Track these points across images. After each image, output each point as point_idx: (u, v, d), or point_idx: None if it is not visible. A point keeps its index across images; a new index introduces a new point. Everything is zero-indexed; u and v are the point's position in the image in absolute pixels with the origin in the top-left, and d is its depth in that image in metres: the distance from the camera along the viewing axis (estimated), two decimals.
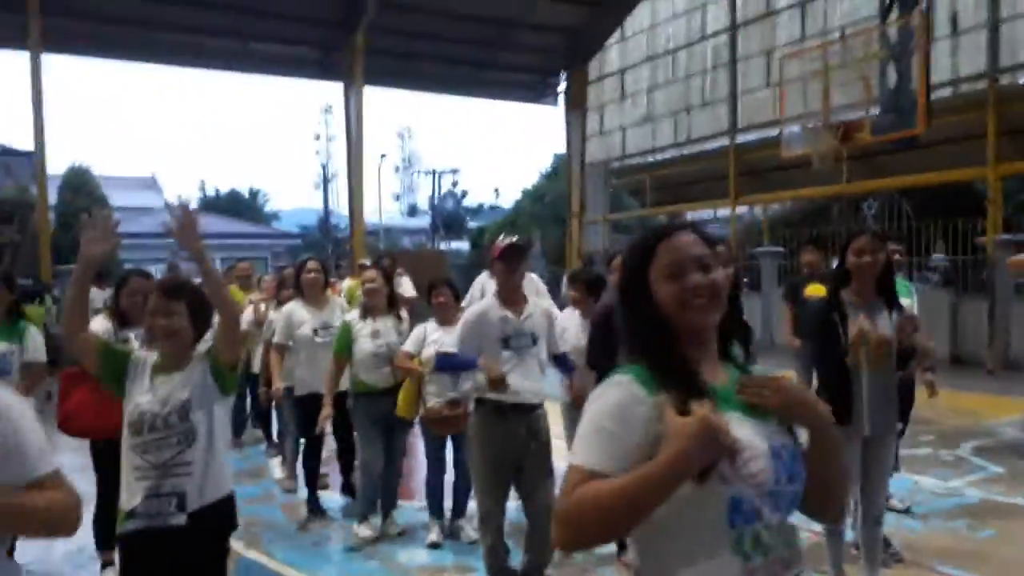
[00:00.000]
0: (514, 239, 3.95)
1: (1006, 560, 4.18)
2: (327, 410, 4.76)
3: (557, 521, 1.33)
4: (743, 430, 1.37)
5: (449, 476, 4.79)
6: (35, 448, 1.49)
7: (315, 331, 5.09)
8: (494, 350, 3.72)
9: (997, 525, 4.73)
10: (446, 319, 4.59)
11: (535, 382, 3.80)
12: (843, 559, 3.68)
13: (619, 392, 1.39)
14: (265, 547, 4.68)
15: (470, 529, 4.62)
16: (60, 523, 1.53)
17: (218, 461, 2.51)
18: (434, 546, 4.54)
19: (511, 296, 3.84)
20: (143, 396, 2.44)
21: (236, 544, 4.66)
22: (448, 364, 3.87)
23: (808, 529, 4.47)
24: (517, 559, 3.85)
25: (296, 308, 5.24)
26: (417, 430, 4.89)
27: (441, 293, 4.62)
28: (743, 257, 17.00)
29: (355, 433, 4.99)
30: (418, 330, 4.63)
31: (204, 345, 2.58)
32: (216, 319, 2.56)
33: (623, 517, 1.29)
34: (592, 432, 1.37)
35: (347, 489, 5.43)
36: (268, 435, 6.91)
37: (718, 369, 1.49)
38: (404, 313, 5.00)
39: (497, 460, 3.70)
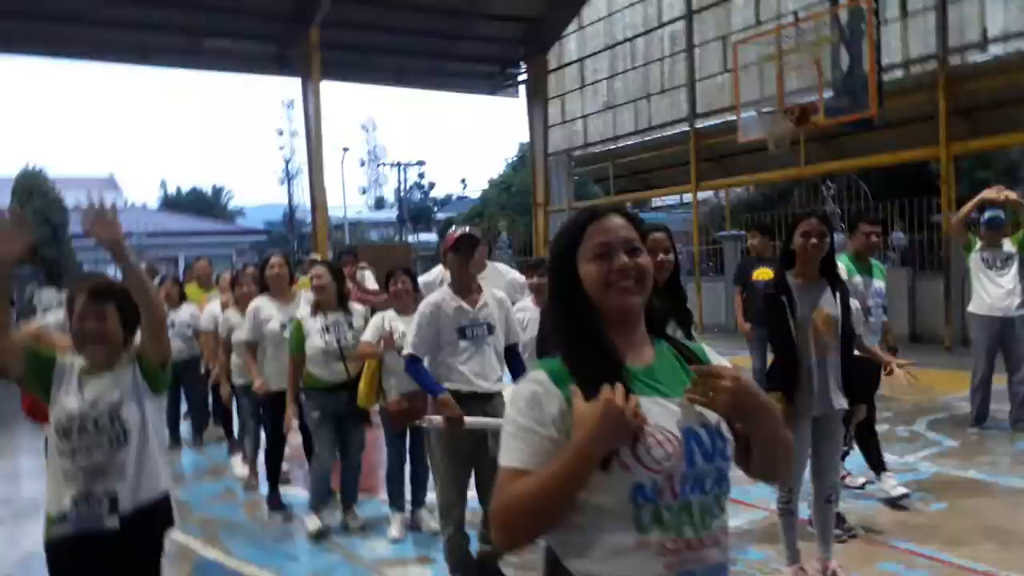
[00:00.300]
0: (466, 229, 3.93)
1: (956, 531, 4.27)
2: (291, 408, 4.74)
3: (493, 524, 1.38)
4: (658, 413, 1.38)
5: (408, 467, 4.77)
6: None
7: (283, 326, 5.02)
8: (451, 340, 3.72)
9: (948, 498, 4.83)
10: (404, 308, 4.55)
11: (492, 371, 3.80)
12: (797, 536, 3.73)
13: (532, 388, 1.43)
14: (223, 545, 4.62)
15: (430, 520, 4.61)
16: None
17: (152, 460, 2.46)
18: (395, 541, 4.52)
19: (465, 286, 3.82)
20: (70, 399, 2.37)
21: (194, 543, 4.66)
22: (416, 376, 3.79)
23: (764, 508, 4.55)
24: (475, 547, 3.85)
25: (263, 304, 5.18)
26: (377, 421, 4.87)
27: (398, 280, 4.58)
28: (706, 242, 17.17)
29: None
30: (376, 320, 4.60)
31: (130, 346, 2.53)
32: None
33: (546, 510, 1.34)
34: (511, 433, 1.40)
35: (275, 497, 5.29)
36: (229, 433, 6.82)
37: (644, 349, 1.49)
38: (358, 307, 4.95)
39: (456, 450, 3.70)
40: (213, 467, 6.56)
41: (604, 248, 1.45)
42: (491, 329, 3.80)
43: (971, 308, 6.47)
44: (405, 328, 4.44)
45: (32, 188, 24.89)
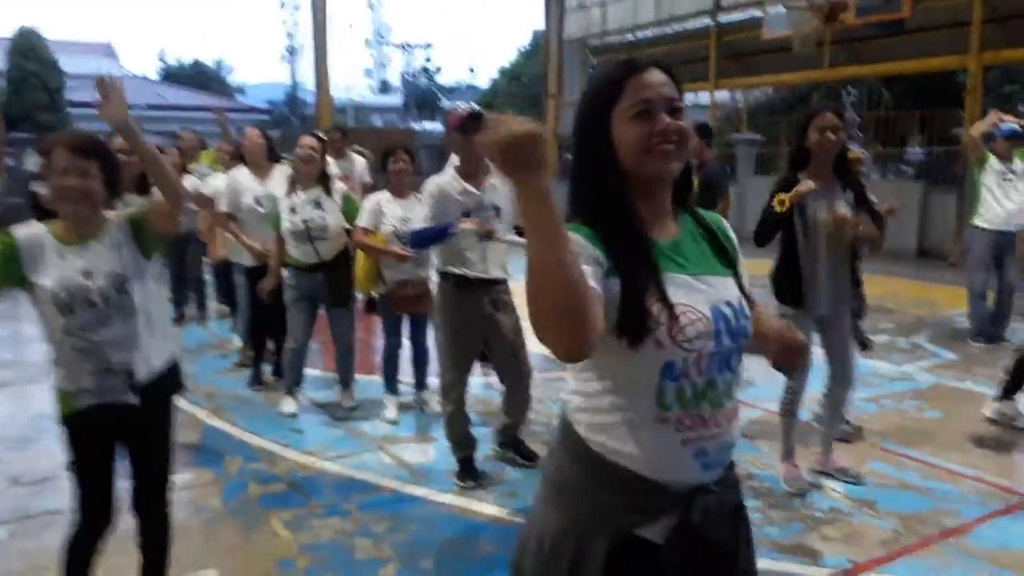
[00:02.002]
0: (472, 106, 3.79)
1: (948, 437, 4.36)
2: (270, 279, 4.70)
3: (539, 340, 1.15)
4: (686, 291, 1.34)
5: (407, 353, 4.80)
6: None
7: (257, 201, 4.94)
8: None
9: (944, 406, 4.91)
10: (400, 190, 4.44)
11: (499, 256, 3.75)
12: (795, 436, 3.80)
13: (576, 238, 1.29)
14: (229, 416, 4.72)
15: (434, 402, 4.69)
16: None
17: (159, 327, 2.43)
18: (391, 423, 4.59)
19: (472, 168, 3.71)
20: (59, 273, 2.23)
21: (201, 413, 4.76)
22: (425, 240, 3.70)
23: (760, 407, 4.63)
24: (477, 431, 3.94)
25: (240, 176, 5.09)
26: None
27: (399, 159, 4.43)
28: (720, 144, 16.82)
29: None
30: (370, 203, 4.46)
31: (119, 211, 2.41)
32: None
33: (545, 276, 1.08)
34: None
35: (277, 368, 5.32)
36: (233, 309, 6.85)
37: (668, 223, 1.43)
38: (339, 185, 4.77)
39: (461, 331, 3.71)
40: (219, 342, 6.64)
41: (645, 106, 1.33)
42: (498, 211, 3.71)
43: (977, 221, 6.42)
44: (401, 211, 4.38)
45: (28, 50, 24.06)
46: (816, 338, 3.67)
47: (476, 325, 3.72)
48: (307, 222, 4.46)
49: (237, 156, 5.37)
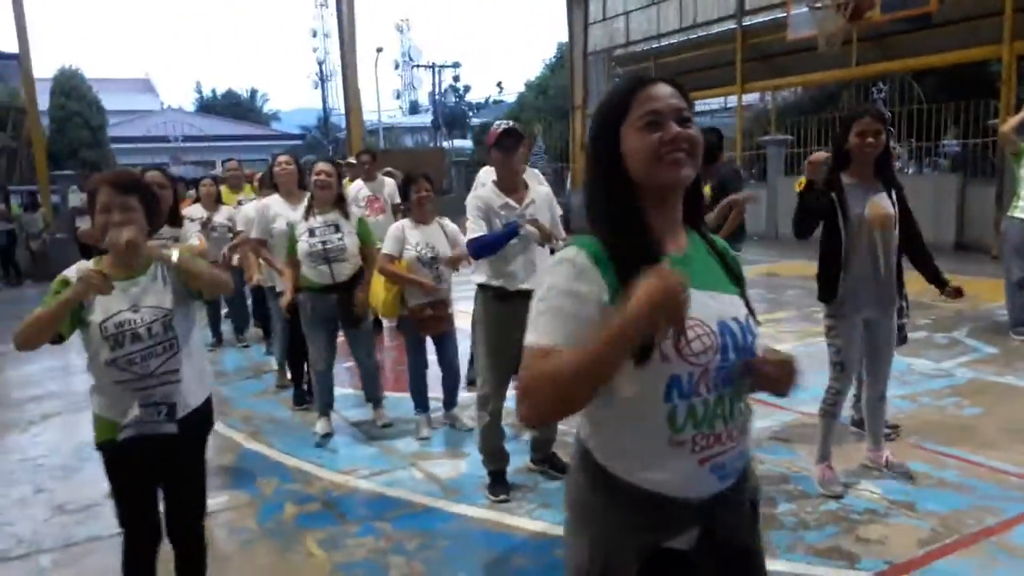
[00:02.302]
0: (509, 123, 3.84)
1: (988, 434, 4.26)
2: (288, 296, 4.77)
3: (518, 397, 1.29)
4: (695, 305, 1.32)
5: (436, 372, 4.83)
6: None
7: (290, 226, 5.04)
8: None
9: (983, 402, 4.80)
10: (423, 216, 4.51)
11: (538, 265, 3.75)
12: (833, 438, 3.75)
13: (569, 268, 1.35)
14: (265, 438, 4.81)
15: (465, 418, 4.73)
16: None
17: (201, 363, 2.53)
18: (423, 440, 4.63)
19: (511, 183, 3.76)
20: (107, 307, 2.32)
21: (238, 436, 4.85)
22: (490, 246, 3.66)
23: (795, 410, 4.57)
24: (509, 445, 3.95)
25: (271, 203, 5.21)
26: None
27: (421, 187, 4.49)
28: (749, 147, 16.66)
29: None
30: (394, 229, 4.53)
31: (162, 248, 2.51)
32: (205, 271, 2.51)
33: (578, 386, 1.24)
34: (545, 310, 1.33)
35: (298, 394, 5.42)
36: (267, 333, 7.00)
37: (679, 236, 1.44)
38: (353, 209, 4.87)
39: (501, 344, 3.71)
40: (255, 366, 6.76)
41: (653, 117, 1.35)
42: (539, 224, 3.74)
43: (1014, 212, 6.30)
44: (424, 237, 4.45)
45: (70, 89, 24.90)
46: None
47: (514, 337, 3.72)
48: (325, 243, 4.53)
49: (270, 184, 5.49)
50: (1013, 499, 3.47)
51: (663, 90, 1.37)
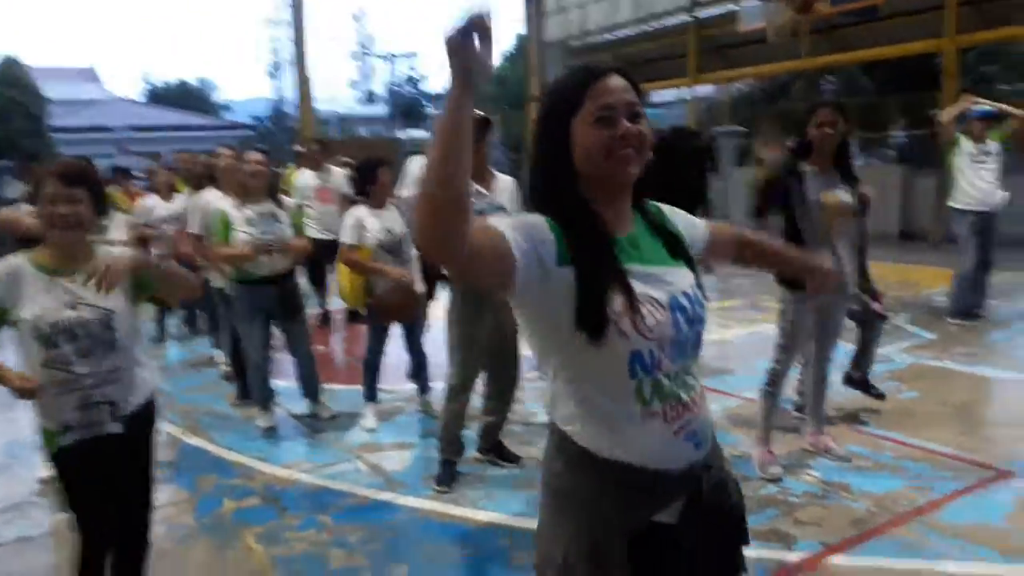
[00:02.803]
0: (478, 112, 3.80)
1: (925, 417, 4.37)
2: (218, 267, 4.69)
3: (415, 225, 1.20)
4: (644, 282, 1.38)
5: (389, 360, 4.78)
6: None
7: (221, 213, 4.91)
8: None
9: (922, 386, 4.92)
10: (381, 202, 4.46)
11: None
12: (774, 421, 3.80)
13: (530, 219, 1.36)
14: (206, 433, 4.70)
15: (436, 405, 4.70)
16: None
17: (143, 361, 2.45)
18: (370, 431, 4.58)
19: (479, 171, 3.72)
20: (42, 304, 2.23)
21: (176, 431, 4.73)
22: None
23: (738, 396, 4.63)
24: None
25: (211, 197, 5.08)
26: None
27: (385, 173, 4.46)
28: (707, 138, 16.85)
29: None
30: (350, 218, 4.46)
31: (103, 245, 2.44)
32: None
33: (447, 156, 1.15)
34: (509, 226, 1.32)
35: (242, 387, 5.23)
36: (215, 327, 6.84)
37: (627, 220, 1.45)
38: (289, 200, 4.78)
39: (476, 338, 3.71)
40: (197, 359, 6.61)
41: (607, 112, 1.34)
42: (504, 212, 3.70)
43: (955, 204, 6.48)
44: (381, 223, 4.39)
45: (11, 78, 24.07)
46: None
47: (487, 329, 3.72)
48: (264, 234, 4.40)
49: (209, 178, 5.34)
50: (944, 478, 3.56)
51: (616, 83, 1.37)
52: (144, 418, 2.45)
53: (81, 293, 2.26)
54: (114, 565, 2.53)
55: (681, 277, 1.44)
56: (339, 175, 7.33)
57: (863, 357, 4.55)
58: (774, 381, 3.76)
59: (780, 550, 3.02)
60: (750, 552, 2.92)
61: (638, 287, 1.35)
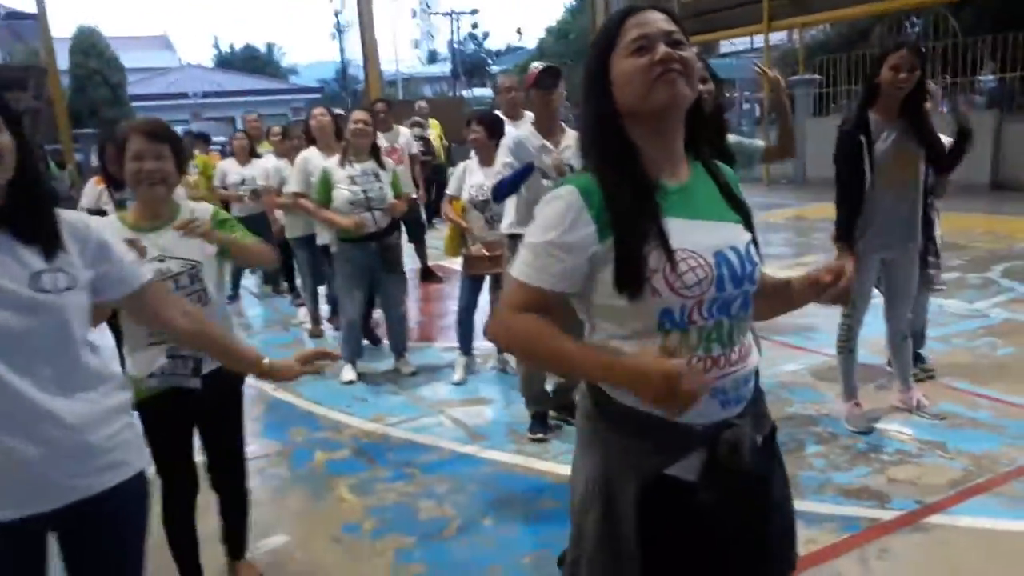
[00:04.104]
0: (548, 64, 3.77)
1: (1022, 373, 4.18)
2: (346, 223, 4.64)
3: (493, 323, 1.41)
4: (690, 236, 1.33)
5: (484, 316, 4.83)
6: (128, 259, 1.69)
7: (324, 171, 5.00)
8: (534, 180, 3.60)
9: (1017, 342, 4.70)
10: (484, 158, 4.49)
11: None
12: (855, 375, 3.72)
13: (560, 207, 1.35)
14: (294, 388, 4.86)
15: (513, 361, 4.74)
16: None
17: (227, 317, 2.55)
18: (458, 383, 4.67)
19: (549, 125, 3.70)
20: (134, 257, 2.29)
21: (267, 386, 4.89)
22: (508, 187, 3.63)
23: (823, 352, 4.53)
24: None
25: (311, 156, 5.18)
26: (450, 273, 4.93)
27: (473, 130, 4.48)
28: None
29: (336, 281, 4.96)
30: (458, 170, 4.63)
31: (189, 204, 2.51)
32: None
33: (543, 364, 1.51)
34: (533, 246, 1.36)
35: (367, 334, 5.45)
36: (292, 286, 7.04)
37: (680, 166, 1.41)
38: (390, 161, 4.83)
39: None
40: (281, 318, 6.82)
41: (643, 41, 1.32)
42: (573, 171, 3.68)
43: None
44: (483, 178, 4.41)
45: (88, 48, 24.84)
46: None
47: None
48: (367, 191, 4.54)
49: (308, 137, 5.44)
50: None
51: (652, 15, 1.35)
52: (225, 376, 2.46)
53: (168, 246, 2.33)
54: (220, 513, 2.69)
55: (734, 232, 1.40)
56: (406, 135, 7.36)
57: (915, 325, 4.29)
58: (847, 337, 3.68)
59: (874, 508, 2.96)
60: (843, 510, 2.92)
61: (680, 241, 1.31)
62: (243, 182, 6.83)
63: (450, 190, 4.62)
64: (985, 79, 14.59)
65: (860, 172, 3.40)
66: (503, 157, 3.70)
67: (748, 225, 1.44)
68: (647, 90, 1.32)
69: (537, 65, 3.72)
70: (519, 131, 3.77)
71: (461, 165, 4.61)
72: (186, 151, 2.48)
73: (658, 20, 1.35)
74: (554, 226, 1.34)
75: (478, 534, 3.02)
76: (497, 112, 4.86)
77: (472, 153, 4.63)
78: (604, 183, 1.34)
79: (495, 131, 4.44)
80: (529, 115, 5.14)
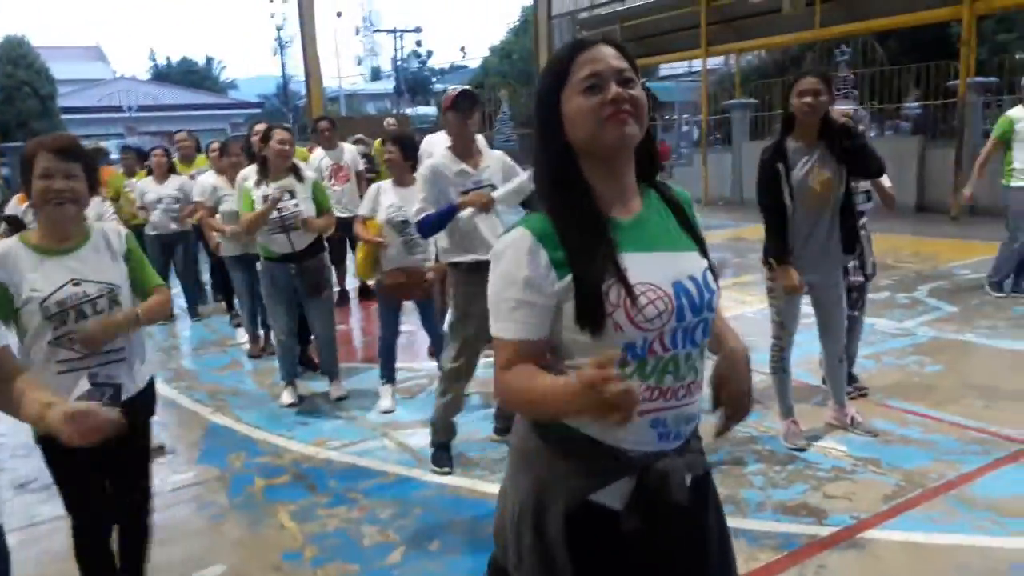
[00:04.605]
0: (465, 87, 3.77)
1: (949, 391, 4.35)
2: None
3: (497, 388, 1.37)
4: (646, 268, 1.33)
5: (403, 340, 4.79)
6: None
7: (243, 187, 4.91)
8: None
9: (944, 360, 4.90)
10: (400, 179, 4.44)
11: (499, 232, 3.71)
12: (790, 393, 3.81)
13: (514, 254, 1.34)
14: (233, 412, 4.74)
15: None
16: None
17: (145, 345, 2.45)
18: (387, 412, 4.58)
19: (466, 148, 3.67)
20: (45, 282, 2.20)
21: (204, 410, 4.77)
22: (433, 225, 3.60)
23: (760, 371, 4.62)
24: (479, 413, 3.94)
25: (251, 174, 5.05)
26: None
27: (388, 150, 4.43)
28: (714, 111, 16.68)
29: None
30: (371, 191, 4.51)
31: (98, 222, 2.43)
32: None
33: (541, 413, 1.38)
34: (499, 301, 1.36)
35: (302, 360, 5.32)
36: (230, 305, 6.88)
37: (632, 199, 1.42)
38: (309, 174, 4.71)
39: (476, 319, 3.65)
40: (218, 339, 6.65)
41: (594, 80, 1.32)
42: (493, 189, 3.67)
43: (1015, 182, 6.22)
44: (398, 199, 4.36)
45: (18, 58, 23.96)
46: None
47: (485, 308, 3.67)
48: (280, 211, 4.40)
49: (248, 155, 5.34)
50: (972, 452, 3.56)
51: (604, 51, 1.35)
52: (143, 403, 2.42)
53: (82, 269, 2.24)
54: (119, 549, 2.55)
55: (691, 260, 1.40)
56: (351, 152, 7.30)
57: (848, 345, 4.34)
58: (779, 358, 3.76)
59: (812, 524, 3.03)
60: (782, 527, 2.97)
61: (638, 275, 1.31)
62: (159, 200, 6.71)
63: (363, 211, 4.48)
64: (910, 106, 15.25)
65: (780, 199, 3.51)
66: (420, 190, 3.65)
67: (703, 251, 1.44)
68: (597, 129, 1.32)
69: (455, 88, 3.71)
70: (434, 158, 3.71)
71: (374, 187, 4.51)
72: (98, 170, 2.37)
73: (609, 56, 1.34)
74: (514, 276, 1.33)
75: (424, 560, 2.97)
76: (441, 132, 4.84)
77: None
78: (558, 221, 1.34)
79: (409, 152, 4.44)
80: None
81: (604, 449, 1.34)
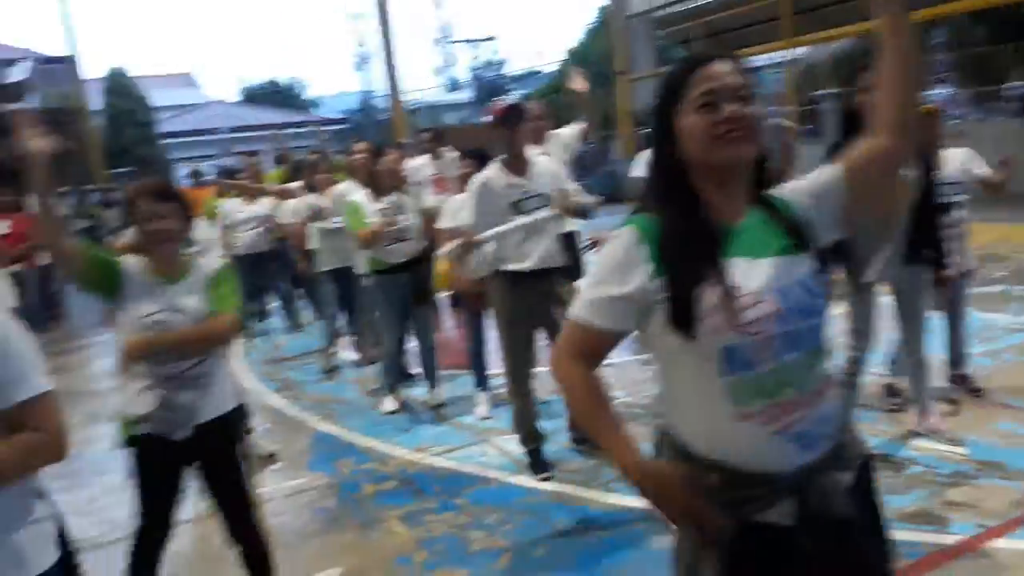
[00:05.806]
0: (512, 100, 3.81)
1: None
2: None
3: (552, 364, 1.48)
4: (750, 274, 1.34)
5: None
6: (16, 371, 1.46)
7: (353, 203, 5.06)
8: (505, 219, 3.61)
9: None
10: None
11: (551, 243, 3.69)
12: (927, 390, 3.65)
13: (618, 246, 1.40)
14: (338, 420, 4.90)
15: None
16: (41, 461, 1.50)
17: (228, 371, 2.57)
18: (484, 419, 4.63)
19: (515, 161, 3.68)
20: (151, 305, 2.39)
21: (310, 419, 4.94)
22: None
23: (874, 373, 4.44)
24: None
25: (347, 189, 5.24)
26: None
27: (465, 164, 4.50)
28: (801, 103, 16.17)
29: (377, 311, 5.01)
30: (453, 203, 4.55)
31: (200, 255, 2.60)
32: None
33: (580, 420, 1.53)
34: (593, 286, 1.43)
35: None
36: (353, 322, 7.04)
37: (741, 207, 1.42)
38: (412, 189, 4.91)
39: (516, 325, 3.69)
40: (318, 349, 6.85)
41: (709, 98, 1.34)
42: (545, 199, 3.66)
43: None
44: None
45: (119, 88, 25.47)
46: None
47: (529, 316, 3.68)
48: (394, 224, 4.60)
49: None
50: None
51: (720, 68, 1.36)
52: (223, 429, 2.52)
53: (179, 300, 2.42)
54: (242, 562, 2.65)
55: (797, 266, 1.37)
56: (453, 162, 7.41)
57: (952, 345, 4.19)
58: (852, 371, 3.50)
59: (933, 532, 2.90)
60: (902, 535, 2.85)
61: (740, 279, 1.32)
62: (248, 221, 6.80)
63: (445, 223, 4.47)
64: (1012, 86, 14.42)
65: None
66: (470, 203, 3.68)
67: (813, 253, 1.41)
68: (709, 148, 1.35)
69: (503, 101, 3.72)
70: (485, 173, 3.72)
71: (456, 199, 4.51)
72: (188, 205, 2.53)
73: (726, 74, 1.35)
74: (611, 266, 1.40)
75: (531, 565, 3.00)
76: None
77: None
78: (665, 224, 1.39)
79: (484, 165, 4.49)
80: (562, 131, 5.19)
81: (755, 477, 1.35)
